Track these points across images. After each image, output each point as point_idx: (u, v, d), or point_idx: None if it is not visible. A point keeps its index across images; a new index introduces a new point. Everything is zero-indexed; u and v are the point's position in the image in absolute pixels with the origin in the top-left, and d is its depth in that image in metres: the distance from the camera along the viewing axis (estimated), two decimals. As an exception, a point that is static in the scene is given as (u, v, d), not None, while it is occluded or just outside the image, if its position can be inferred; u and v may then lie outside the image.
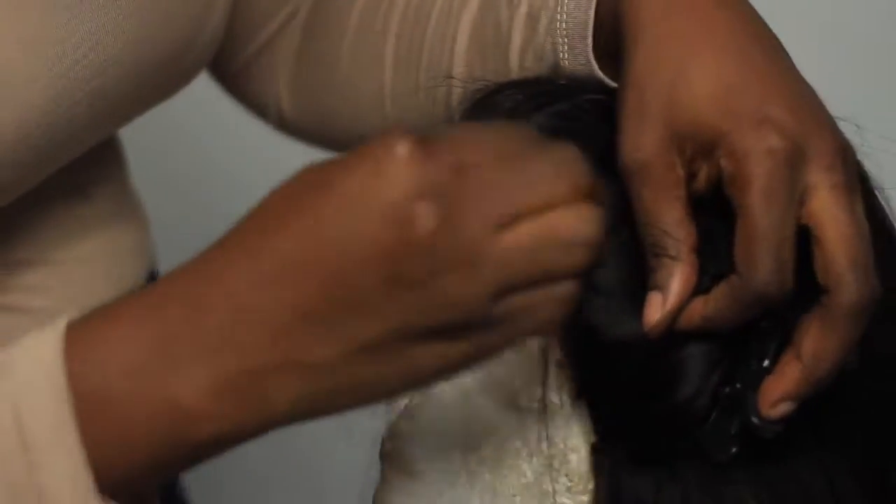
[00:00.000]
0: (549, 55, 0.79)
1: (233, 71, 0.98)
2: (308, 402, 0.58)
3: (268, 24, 0.96)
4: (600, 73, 0.76)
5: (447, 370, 0.59)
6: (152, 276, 1.00)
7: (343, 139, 0.95)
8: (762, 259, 0.64)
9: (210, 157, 1.61)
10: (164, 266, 1.04)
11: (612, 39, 0.73)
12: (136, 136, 0.98)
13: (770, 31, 0.70)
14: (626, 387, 0.66)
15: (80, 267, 0.91)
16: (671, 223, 0.66)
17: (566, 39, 0.77)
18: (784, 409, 0.65)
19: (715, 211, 0.67)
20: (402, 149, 0.57)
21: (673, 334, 0.66)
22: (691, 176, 0.67)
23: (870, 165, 0.73)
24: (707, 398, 0.66)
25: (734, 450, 0.66)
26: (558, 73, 0.78)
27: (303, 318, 0.57)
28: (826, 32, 1.42)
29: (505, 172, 0.59)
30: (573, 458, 0.68)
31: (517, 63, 0.81)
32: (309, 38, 0.95)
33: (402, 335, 0.58)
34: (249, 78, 0.98)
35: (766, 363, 0.66)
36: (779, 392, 0.65)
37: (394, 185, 0.57)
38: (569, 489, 0.68)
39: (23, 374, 0.58)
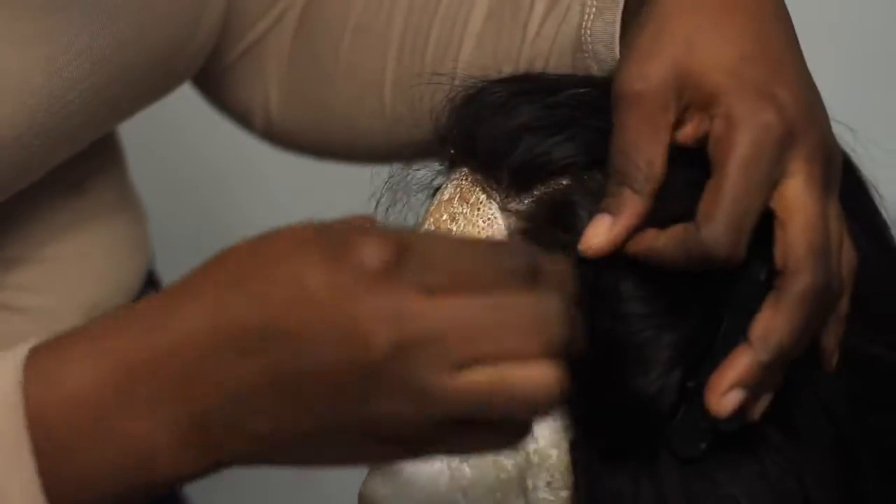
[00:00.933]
0: (574, 17, 0.79)
1: (215, 75, 0.97)
2: (257, 457, 0.59)
3: (255, 25, 0.95)
4: (616, 42, 0.77)
5: (387, 461, 0.61)
6: (150, 275, 0.99)
7: (335, 137, 0.95)
8: (721, 218, 0.64)
9: (205, 153, 1.60)
10: (161, 263, 1.04)
11: (638, 9, 0.73)
12: (133, 131, 0.98)
13: (791, 24, 0.71)
14: (595, 380, 0.66)
15: (75, 264, 0.91)
16: (645, 159, 0.67)
17: (596, 2, 0.78)
18: (734, 398, 0.64)
19: (690, 165, 0.67)
20: (375, 264, 0.56)
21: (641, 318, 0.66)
22: (678, 123, 0.68)
23: (867, 167, 0.73)
24: (673, 393, 0.66)
25: (703, 446, 0.66)
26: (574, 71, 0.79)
27: (249, 392, 0.57)
28: (825, 32, 1.42)
29: (476, 310, 0.56)
30: (553, 453, 0.68)
31: (534, 32, 0.81)
32: (303, 36, 0.94)
33: (339, 433, 0.58)
34: (233, 81, 0.97)
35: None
36: (727, 380, 0.64)
37: (357, 304, 0.55)
38: (549, 484, 0.68)
39: None
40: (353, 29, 0.91)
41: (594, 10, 0.78)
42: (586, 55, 0.79)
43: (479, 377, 0.56)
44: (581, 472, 0.67)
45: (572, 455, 0.68)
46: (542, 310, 0.57)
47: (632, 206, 0.67)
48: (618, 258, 0.67)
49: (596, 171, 0.69)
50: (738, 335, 0.65)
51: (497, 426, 0.58)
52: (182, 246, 1.39)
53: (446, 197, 0.74)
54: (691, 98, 0.67)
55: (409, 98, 0.87)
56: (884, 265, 0.72)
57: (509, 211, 0.71)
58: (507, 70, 0.80)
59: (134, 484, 0.59)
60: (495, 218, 0.71)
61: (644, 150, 0.67)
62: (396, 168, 0.78)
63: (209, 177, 1.62)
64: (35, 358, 0.59)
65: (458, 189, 0.73)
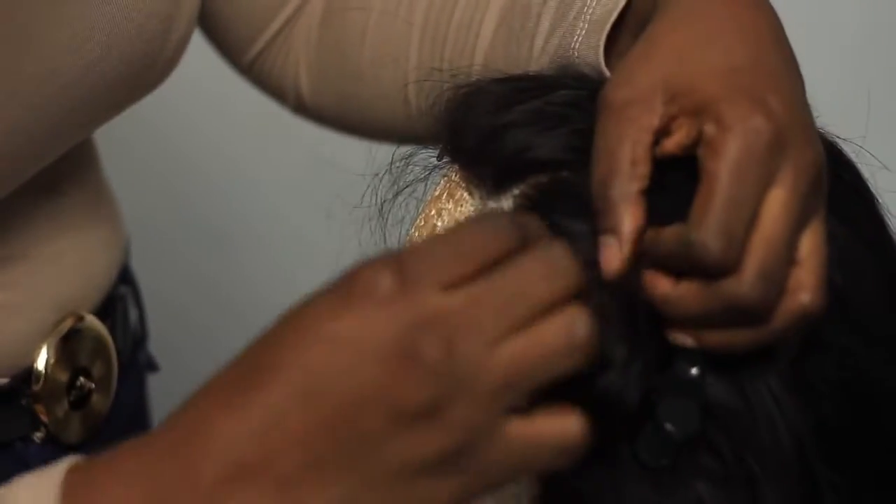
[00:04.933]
0: (568, 39, 0.79)
1: (249, 58, 0.97)
2: None
3: (281, 9, 0.96)
4: (602, 63, 0.76)
5: (456, 501, 0.58)
6: (124, 272, 0.99)
7: (364, 126, 0.96)
8: (712, 224, 0.63)
9: (182, 153, 1.60)
10: (136, 261, 1.03)
11: (643, 28, 0.73)
12: (107, 127, 0.98)
13: (789, 46, 0.70)
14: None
15: (48, 262, 0.90)
16: (629, 159, 0.66)
17: (587, 25, 0.78)
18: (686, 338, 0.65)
19: (678, 172, 0.66)
20: (385, 286, 0.56)
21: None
22: (666, 133, 0.67)
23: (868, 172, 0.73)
24: (634, 393, 0.65)
25: (667, 460, 0.65)
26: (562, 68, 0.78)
27: (305, 467, 0.56)
28: (823, 32, 1.43)
29: (491, 285, 0.57)
30: None
31: (540, 47, 0.81)
32: (328, 25, 0.95)
33: (408, 468, 0.56)
34: (267, 64, 0.98)
35: (694, 371, 0.65)
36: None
37: (386, 329, 0.56)
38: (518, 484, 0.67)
39: None
40: (376, 21, 0.91)
41: (584, 31, 0.78)
42: None
43: (518, 342, 0.57)
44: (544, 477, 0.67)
45: None
46: (547, 258, 0.58)
47: (628, 216, 0.65)
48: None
49: (582, 169, 0.68)
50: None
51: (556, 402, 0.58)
52: (157, 240, 1.40)
53: (437, 193, 0.74)
54: (681, 105, 0.66)
55: (428, 94, 0.85)
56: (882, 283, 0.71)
57: (489, 207, 0.71)
58: None
59: None
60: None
61: (626, 152, 0.66)
62: (394, 163, 0.78)
63: (186, 175, 1.60)
64: (70, 481, 0.58)
65: (447, 185, 0.74)
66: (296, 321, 0.57)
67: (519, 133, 0.71)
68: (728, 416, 0.66)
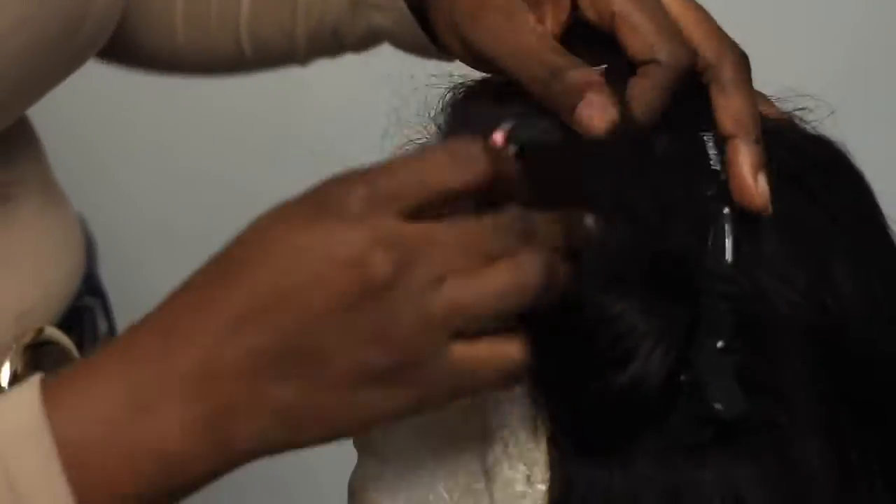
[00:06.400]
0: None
1: None
2: (272, 440, 0.62)
3: None
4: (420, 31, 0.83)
5: (401, 413, 0.62)
6: (89, 278, 0.97)
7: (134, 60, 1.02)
8: (662, 36, 0.68)
9: (170, 154, 1.60)
10: (104, 263, 1.02)
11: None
12: (56, 134, 0.97)
13: None
14: (575, 372, 0.66)
15: (3, 269, 0.88)
16: (552, 48, 0.69)
17: None
18: (763, 182, 0.67)
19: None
20: (352, 202, 0.60)
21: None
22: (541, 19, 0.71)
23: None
24: (653, 385, 0.65)
25: (708, 436, 0.66)
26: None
27: (264, 364, 0.60)
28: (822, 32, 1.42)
29: (450, 228, 0.61)
30: (531, 447, 0.68)
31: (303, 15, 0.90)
32: None
33: (357, 376, 0.60)
34: None
35: (720, 344, 0.66)
36: (748, 168, 0.67)
37: (348, 243, 0.59)
38: (528, 478, 0.68)
39: (5, 428, 0.61)
40: None
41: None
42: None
43: (463, 280, 0.60)
44: (558, 465, 0.67)
45: (549, 448, 0.68)
46: (512, 216, 0.61)
47: (591, 76, 0.68)
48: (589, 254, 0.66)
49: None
50: (727, 320, 0.66)
51: (495, 349, 0.61)
52: (124, 248, 1.38)
53: None
54: None
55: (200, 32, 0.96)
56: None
57: None
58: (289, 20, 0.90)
59: (161, 488, 0.62)
60: None
61: (545, 48, 0.70)
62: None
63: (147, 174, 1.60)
64: (48, 389, 0.62)
65: None
66: (266, 227, 0.61)
67: (517, 119, 0.70)
68: (756, 382, 0.66)
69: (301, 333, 0.60)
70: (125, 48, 1.00)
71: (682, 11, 0.70)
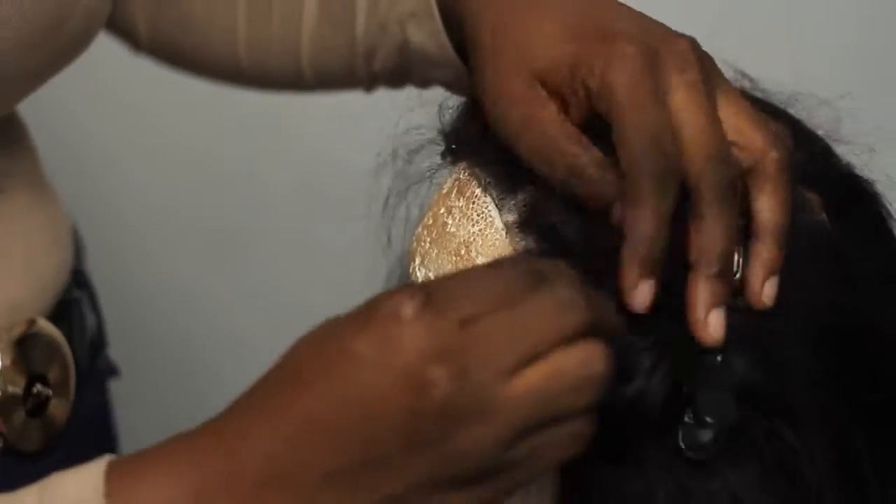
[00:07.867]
0: (394, 29, 0.85)
1: None
2: None
3: None
4: (449, 46, 0.80)
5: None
6: (77, 272, 0.97)
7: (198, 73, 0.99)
8: (635, 141, 0.65)
9: (165, 153, 1.59)
10: (92, 262, 1.02)
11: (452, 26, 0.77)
12: (46, 133, 0.97)
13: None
14: None
15: None
16: (573, 141, 0.68)
17: (412, 18, 0.82)
18: (716, 319, 0.65)
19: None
20: (409, 311, 0.59)
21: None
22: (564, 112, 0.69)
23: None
24: (658, 396, 0.65)
25: (713, 447, 0.66)
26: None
27: (328, 477, 0.60)
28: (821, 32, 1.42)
29: (507, 319, 0.60)
30: None
31: (362, 33, 0.87)
32: None
33: (422, 489, 0.60)
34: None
35: (718, 358, 0.66)
36: (701, 306, 0.65)
37: (405, 351, 0.59)
38: (537, 486, 0.68)
39: (65, 498, 0.61)
40: None
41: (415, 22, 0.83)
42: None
43: (534, 373, 0.60)
44: (568, 469, 0.66)
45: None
46: (559, 297, 0.61)
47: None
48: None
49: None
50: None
51: (559, 432, 0.61)
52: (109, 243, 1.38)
53: (445, 191, 0.75)
54: (557, 82, 0.69)
55: (263, 59, 0.94)
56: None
57: (503, 203, 0.72)
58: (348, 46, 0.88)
59: None
60: (488, 210, 0.72)
61: (566, 138, 0.68)
62: (398, 164, 0.79)
63: (174, 172, 1.58)
64: (113, 473, 0.61)
65: (456, 183, 0.74)
66: (319, 338, 0.61)
67: None
68: (759, 394, 0.66)
69: (367, 444, 0.60)
70: (192, 65, 0.99)
71: (687, 119, 0.67)
